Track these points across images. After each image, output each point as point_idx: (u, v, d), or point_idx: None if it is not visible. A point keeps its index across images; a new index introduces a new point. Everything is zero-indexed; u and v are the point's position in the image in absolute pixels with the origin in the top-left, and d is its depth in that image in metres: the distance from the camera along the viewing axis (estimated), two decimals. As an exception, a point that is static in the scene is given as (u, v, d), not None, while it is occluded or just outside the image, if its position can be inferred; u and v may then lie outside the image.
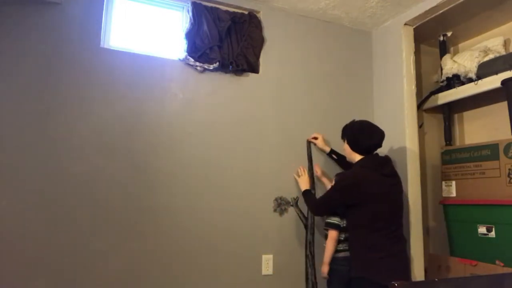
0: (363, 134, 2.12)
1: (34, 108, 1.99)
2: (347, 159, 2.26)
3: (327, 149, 2.52)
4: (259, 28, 2.56)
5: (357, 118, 2.26)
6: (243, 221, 2.34)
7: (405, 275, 1.96)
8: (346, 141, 2.19)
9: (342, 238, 2.19)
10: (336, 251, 2.17)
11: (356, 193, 2.01)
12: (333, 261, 2.17)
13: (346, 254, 2.16)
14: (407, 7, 2.59)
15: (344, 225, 2.18)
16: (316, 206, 2.22)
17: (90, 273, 1.98)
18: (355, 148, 2.14)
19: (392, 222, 2.01)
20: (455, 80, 2.72)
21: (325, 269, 2.15)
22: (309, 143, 2.56)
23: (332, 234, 2.17)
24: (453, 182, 2.57)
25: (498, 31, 2.77)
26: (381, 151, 2.71)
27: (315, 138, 2.54)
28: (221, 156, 2.34)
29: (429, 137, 3.00)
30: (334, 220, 2.20)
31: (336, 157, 2.51)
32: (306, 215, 2.47)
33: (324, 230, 2.27)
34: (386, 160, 2.14)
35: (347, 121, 2.27)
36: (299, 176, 2.44)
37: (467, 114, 2.97)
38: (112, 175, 2.09)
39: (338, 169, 2.54)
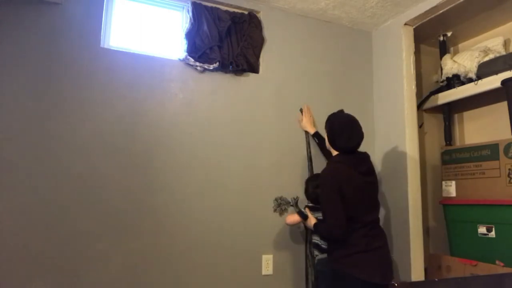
0: (341, 135, 2.03)
1: (34, 108, 1.99)
2: (327, 148, 2.20)
3: (312, 131, 2.53)
4: (259, 28, 2.56)
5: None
6: (243, 221, 2.34)
7: (382, 268, 1.90)
8: (326, 132, 2.14)
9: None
10: (323, 251, 2.18)
11: (340, 192, 1.91)
12: (320, 262, 2.18)
13: None
14: (407, 7, 2.59)
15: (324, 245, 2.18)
16: (331, 227, 1.94)
17: (91, 272, 1.98)
18: (333, 144, 2.09)
19: (368, 220, 1.95)
20: (455, 80, 2.72)
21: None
22: (307, 136, 2.58)
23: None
24: (453, 182, 2.57)
25: (498, 31, 2.77)
26: (382, 150, 2.72)
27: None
28: (221, 156, 2.34)
29: (429, 137, 3.00)
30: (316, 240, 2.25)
31: (317, 140, 2.53)
32: (306, 215, 2.47)
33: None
34: (364, 157, 2.08)
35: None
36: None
37: (467, 114, 2.97)
38: (113, 175, 2.09)
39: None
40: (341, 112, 2.19)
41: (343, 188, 1.92)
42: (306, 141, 2.57)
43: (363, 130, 2.09)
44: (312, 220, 2.14)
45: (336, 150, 2.08)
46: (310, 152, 2.56)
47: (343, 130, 2.04)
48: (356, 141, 2.04)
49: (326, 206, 1.97)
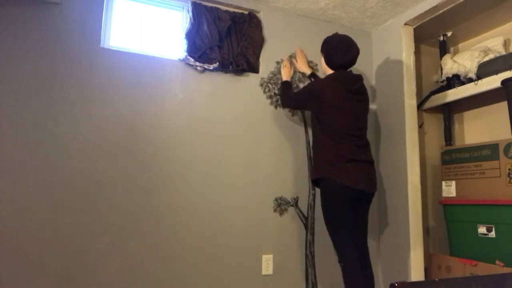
0: (338, 50, 2.15)
1: (35, 108, 1.99)
2: (322, 73, 2.33)
3: (308, 72, 2.56)
4: (259, 28, 2.56)
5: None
6: (243, 221, 2.34)
7: (366, 178, 2.03)
8: (323, 56, 2.26)
9: None
10: None
11: (318, 100, 2.09)
12: None
13: None
14: (407, 7, 2.59)
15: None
16: (288, 97, 2.35)
17: (92, 272, 1.98)
18: (329, 63, 2.20)
19: (355, 134, 2.06)
20: (455, 80, 2.72)
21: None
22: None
23: None
24: (453, 182, 2.57)
25: (498, 31, 2.78)
26: (382, 150, 2.72)
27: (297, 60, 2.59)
28: (221, 156, 2.34)
29: (429, 137, 3.00)
30: None
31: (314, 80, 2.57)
32: (306, 215, 2.48)
33: None
34: (357, 78, 2.17)
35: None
36: (284, 67, 2.51)
37: (467, 114, 2.97)
38: (113, 175, 2.09)
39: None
40: (335, 33, 2.28)
41: (325, 96, 2.06)
42: (306, 140, 2.57)
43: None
44: (283, 77, 2.44)
45: (333, 68, 2.19)
46: (310, 152, 2.56)
47: (340, 45, 2.16)
48: (353, 55, 2.15)
49: (299, 92, 2.31)
